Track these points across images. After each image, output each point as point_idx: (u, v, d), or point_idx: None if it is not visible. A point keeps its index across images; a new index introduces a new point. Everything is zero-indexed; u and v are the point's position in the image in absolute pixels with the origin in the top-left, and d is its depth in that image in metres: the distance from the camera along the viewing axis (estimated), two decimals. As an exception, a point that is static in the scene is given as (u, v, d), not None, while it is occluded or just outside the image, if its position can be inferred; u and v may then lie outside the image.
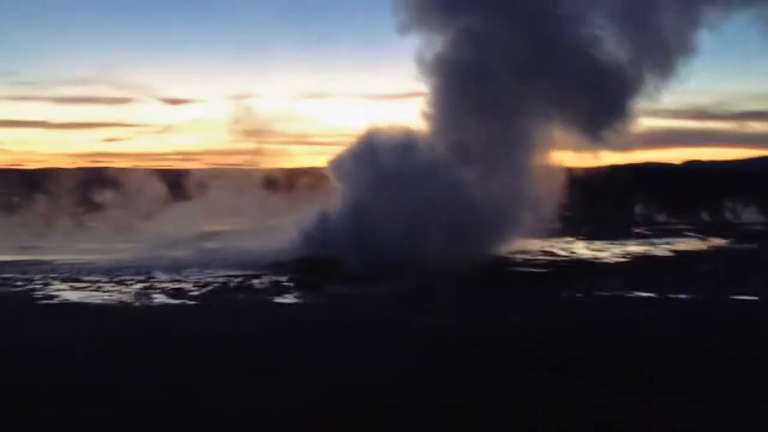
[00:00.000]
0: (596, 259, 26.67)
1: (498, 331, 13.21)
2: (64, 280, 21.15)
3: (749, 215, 48.12)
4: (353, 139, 28.47)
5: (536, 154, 27.55)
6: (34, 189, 40.86)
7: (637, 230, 38.84)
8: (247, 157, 40.59)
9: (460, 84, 26.71)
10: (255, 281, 21.06)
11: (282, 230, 27.03)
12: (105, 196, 38.92)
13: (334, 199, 27.46)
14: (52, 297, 18.32)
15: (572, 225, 32.23)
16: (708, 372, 10.34)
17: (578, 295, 18.67)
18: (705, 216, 48.69)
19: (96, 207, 39.29)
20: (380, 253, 22.69)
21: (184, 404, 8.53)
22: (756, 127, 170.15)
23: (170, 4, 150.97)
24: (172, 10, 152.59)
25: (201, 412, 8.26)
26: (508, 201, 26.01)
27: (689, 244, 32.24)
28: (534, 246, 28.82)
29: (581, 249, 29.57)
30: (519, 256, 26.49)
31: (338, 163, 27.95)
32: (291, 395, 8.88)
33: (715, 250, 29.61)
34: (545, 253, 27.80)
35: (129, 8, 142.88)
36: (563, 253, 28.21)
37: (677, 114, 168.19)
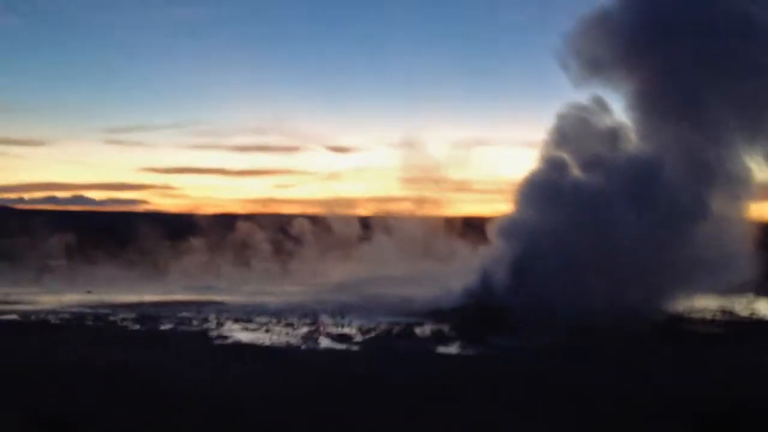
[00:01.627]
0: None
1: (676, 396, 12.32)
2: (236, 321, 22.09)
3: None
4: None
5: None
6: (212, 233, 43.22)
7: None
8: (410, 205, 41.13)
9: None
10: (417, 329, 21.04)
11: (445, 278, 26.92)
12: (273, 241, 40.64)
13: (499, 250, 26.91)
14: (225, 337, 19.15)
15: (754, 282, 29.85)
16: None
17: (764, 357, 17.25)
18: None
19: (266, 251, 41.03)
20: (547, 307, 21.92)
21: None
22: None
23: (340, 53, 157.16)
24: (343, 59, 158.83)
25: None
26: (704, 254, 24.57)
27: None
28: (711, 304, 26.89)
29: (765, 309, 27.34)
30: (695, 315, 24.81)
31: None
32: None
33: None
34: (724, 312, 25.87)
35: (302, 59, 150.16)
36: (744, 313, 26.18)
37: None
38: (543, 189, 26.38)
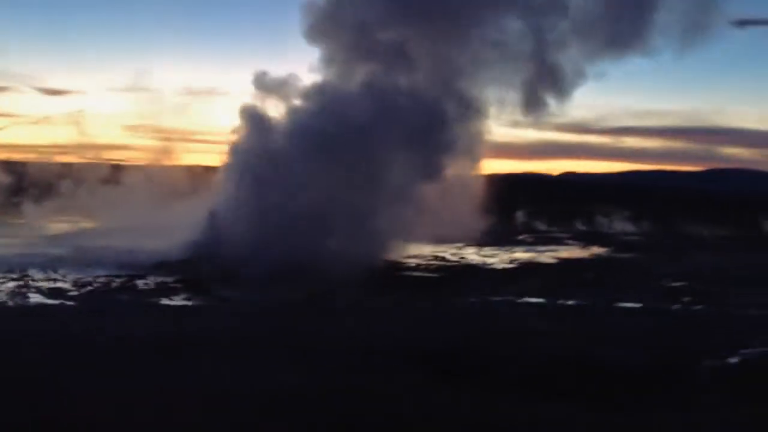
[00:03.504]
0: (486, 264, 27.05)
1: (392, 338, 12.85)
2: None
3: (622, 225, 50.32)
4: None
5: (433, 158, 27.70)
6: None
7: (521, 237, 39.79)
8: (133, 153, 39.17)
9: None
10: (139, 282, 20.09)
11: (170, 230, 25.90)
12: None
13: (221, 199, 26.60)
14: None
15: (462, 231, 32.65)
16: (599, 380, 10.43)
17: (472, 300, 18.80)
18: (581, 225, 50.50)
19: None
20: (270, 259, 22.01)
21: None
22: (630, 141, 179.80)
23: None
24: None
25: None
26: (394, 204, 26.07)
27: (572, 251, 33.24)
28: (425, 251, 28.97)
29: (471, 255, 29.95)
30: (411, 261, 26.52)
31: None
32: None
33: (597, 258, 30.65)
34: (437, 258, 27.97)
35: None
36: (454, 258, 28.48)
37: (558, 127, 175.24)
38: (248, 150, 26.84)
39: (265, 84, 28.12)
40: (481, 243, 33.56)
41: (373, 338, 12.57)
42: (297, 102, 27.87)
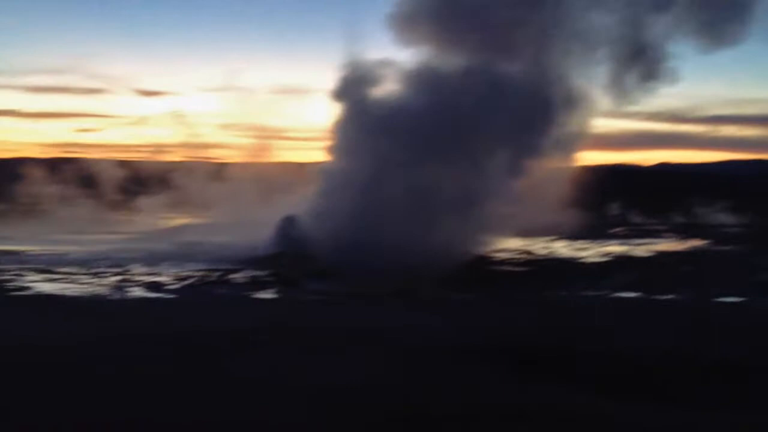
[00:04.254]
0: (577, 258, 26.57)
1: (491, 334, 12.80)
2: (38, 271, 20.58)
3: (720, 217, 48.55)
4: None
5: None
6: (5, 179, 39.95)
7: (615, 230, 38.92)
8: (227, 151, 40.27)
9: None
10: (234, 276, 20.66)
11: (262, 225, 26.55)
12: (77, 186, 38.30)
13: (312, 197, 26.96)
14: (25, 288, 17.77)
15: (552, 224, 32.13)
16: (698, 377, 10.09)
17: (562, 294, 18.53)
18: (678, 217, 49.00)
19: (68, 197, 38.57)
20: (359, 252, 22.16)
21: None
22: (726, 130, 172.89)
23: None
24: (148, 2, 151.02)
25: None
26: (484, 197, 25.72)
27: (668, 244, 32.30)
28: (514, 245, 28.66)
29: (561, 248, 29.47)
30: (499, 255, 26.27)
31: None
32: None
33: (695, 251, 29.68)
34: (526, 252, 27.64)
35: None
36: (544, 252, 28.10)
37: (652, 116, 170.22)
38: (348, 139, 26.71)
39: (360, 68, 27.40)
40: (572, 236, 32.99)
41: (458, 331, 12.54)
42: (395, 87, 27.29)
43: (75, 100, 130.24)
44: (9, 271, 20.47)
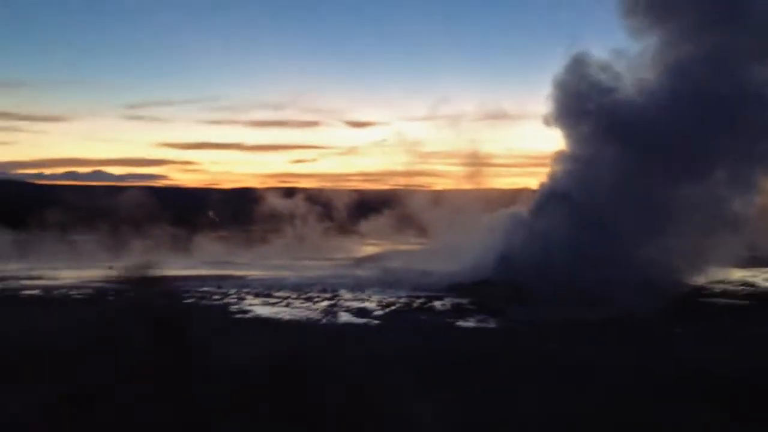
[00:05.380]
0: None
1: (686, 366, 12.13)
2: (256, 295, 22.16)
3: None
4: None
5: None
6: (231, 207, 43.32)
7: None
8: (426, 179, 41.16)
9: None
10: (436, 303, 21.02)
11: (465, 252, 26.83)
12: (291, 214, 40.73)
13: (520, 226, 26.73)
14: (246, 312, 19.21)
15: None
16: None
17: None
18: None
19: (283, 225, 41.13)
20: (566, 281, 21.67)
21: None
22: None
23: (356, 27, 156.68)
24: (359, 32, 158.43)
25: None
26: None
27: None
28: (734, 276, 26.56)
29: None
30: (717, 287, 24.48)
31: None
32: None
33: None
34: (746, 284, 25.56)
35: (319, 33, 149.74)
36: (767, 284, 25.89)
37: None
38: (573, 180, 26.25)
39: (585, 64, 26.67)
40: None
41: (662, 365, 12.02)
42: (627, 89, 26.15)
43: (292, 133, 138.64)
44: (232, 294, 22.20)
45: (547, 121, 27.28)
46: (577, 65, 26.63)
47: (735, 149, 24.16)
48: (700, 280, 24.53)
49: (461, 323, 18.07)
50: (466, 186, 37.95)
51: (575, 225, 24.18)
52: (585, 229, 23.86)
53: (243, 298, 21.47)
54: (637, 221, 23.49)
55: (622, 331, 16.55)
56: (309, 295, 22.30)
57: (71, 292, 22.54)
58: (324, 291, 23.12)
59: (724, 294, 23.39)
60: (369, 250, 35.75)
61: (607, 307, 18.90)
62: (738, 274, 26.86)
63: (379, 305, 20.54)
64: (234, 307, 19.85)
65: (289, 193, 44.59)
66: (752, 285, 25.34)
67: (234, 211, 45.23)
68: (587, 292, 20.28)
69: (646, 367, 12.16)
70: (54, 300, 21.10)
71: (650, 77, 25.89)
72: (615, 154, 25.20)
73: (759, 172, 24.59)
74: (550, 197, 26.19)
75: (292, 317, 18.42)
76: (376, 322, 18.11)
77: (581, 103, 26.36)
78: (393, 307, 20.25)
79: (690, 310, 19.86)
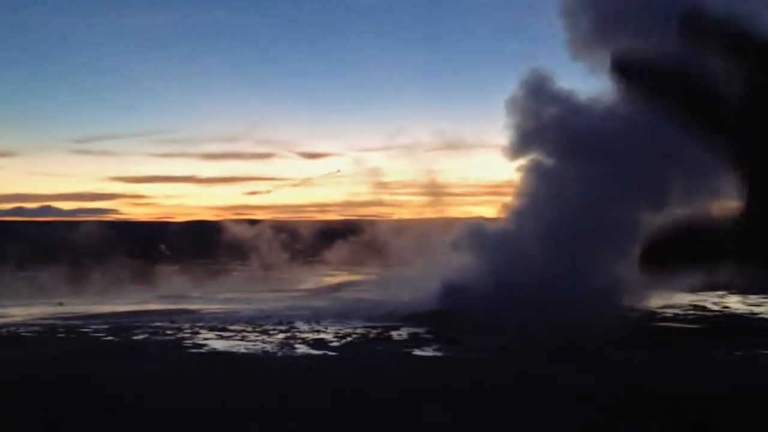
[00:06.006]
0: (754, 314, 24.86)
1: (638, 390, 12.31)
2: (210, 329, 21.84)
3: None
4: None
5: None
6: (183, 241, 42.86)
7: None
8: (381, 209, 41.29)
9: None
10: (394, 333, 20.98)
11: (420, 282, 26.88)
12: (245, 246, 40.46)
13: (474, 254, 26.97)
14: (200, 346, 18.91)
15: (724, 277, 30.17)
16: None
17: (736, 353, 17.41)
18: None
19: (237, 257, 40.82)
20: (521, 309, 21.79)
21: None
22: None
23: (309, 59, 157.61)
24: (312, 64, 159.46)
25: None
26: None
27: None
28: (683, 300, 27.14)
29: (736, 303, 27.66)
30: (666, 311, 24.99)
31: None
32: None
33: None
34: (696, 307, 26.12)
35: (270, 65, 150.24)
36: (716, 307, 26.47)
37: None
38: (528, 201, 26.60)
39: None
40: (748, 290, 30.89)
41: (618, 388, 12.18)
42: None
43: (246, 165, 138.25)
44: (185, 329, 21.85)
45: (505, 153, 27.65)
46: (533, 78, 27.02)
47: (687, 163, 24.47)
48: (648, 304, 25.02)
49: (418, 352, 18.05)
50: (424, 215, 38.22)
51: (530, 248, 24.47)
52: (544, 251, 24.15)
53: (197, 333, 21.14)
54: (596, 243, 23.80)
55: (573, 356, 16.72)
56: (264, 327, 22.06)
57: (19, 330, 21.95)
58: (280, 323, 22.89)
59: (675, 318, 23.84)
60: (325, 280, 35.59)
61: (562, 334, 19.04)
62: (687, 299, 27.40)
63: (335, 336, 20.41)
64: (188, 342, 19.52)
65: (244, 225, 44.31)
66: (703, 308, 25.88)
67: (188, 244, 44.74)
68: (544, 316, 20.46)
69: (580, 388, 12.28)
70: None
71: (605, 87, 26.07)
72: (575, 170, 25.39)
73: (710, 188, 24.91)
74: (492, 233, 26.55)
75: (247, 351, 18.20)
76: (333, 353, 17.98)
77: (538, 117, 26.68)
78: (350, 338, 20.14)
79: (638, 334, 20.13)
